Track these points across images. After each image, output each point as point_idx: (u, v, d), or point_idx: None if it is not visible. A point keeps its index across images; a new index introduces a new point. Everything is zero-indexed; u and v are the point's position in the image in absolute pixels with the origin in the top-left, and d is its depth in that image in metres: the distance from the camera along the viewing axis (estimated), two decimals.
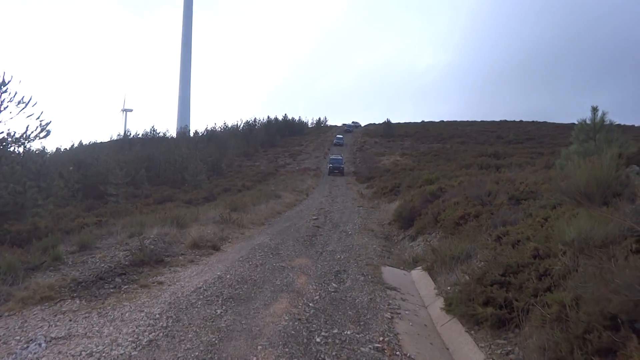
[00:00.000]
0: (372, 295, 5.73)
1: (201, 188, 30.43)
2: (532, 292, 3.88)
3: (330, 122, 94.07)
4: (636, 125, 53.46)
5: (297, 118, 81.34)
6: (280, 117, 77.19)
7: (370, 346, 4.20)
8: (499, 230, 6.18)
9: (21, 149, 10.83)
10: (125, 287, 5.81)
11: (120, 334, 4.30)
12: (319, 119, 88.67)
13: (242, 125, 70.89)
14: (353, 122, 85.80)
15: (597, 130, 10.11)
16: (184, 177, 32.68)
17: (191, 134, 63.95)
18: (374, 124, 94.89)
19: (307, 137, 73.27)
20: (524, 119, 73.99)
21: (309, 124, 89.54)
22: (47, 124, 10.94)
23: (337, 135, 62.64)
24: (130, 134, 59.21)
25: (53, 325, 4.50)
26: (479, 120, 78.83)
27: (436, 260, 6.57)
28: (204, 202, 23.02)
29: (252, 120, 72.10)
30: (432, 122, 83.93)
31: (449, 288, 5.48)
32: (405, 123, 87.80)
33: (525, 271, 4.24)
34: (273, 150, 58.84)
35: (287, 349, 4.02)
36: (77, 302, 5.20)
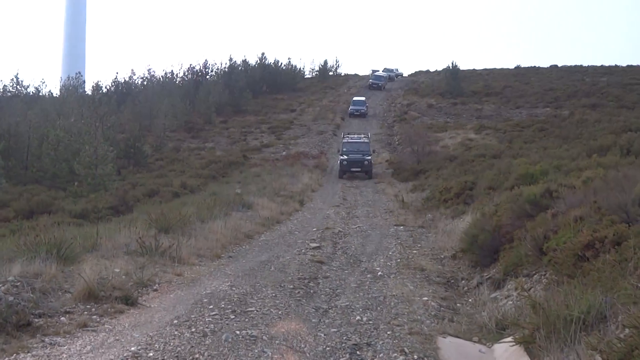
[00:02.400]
0: None
1: (106, 189, 30.61)
2: None
3: (345, 69, 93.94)
4: None
5: (284, 62, 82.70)
6: (252, 61, 78.36)
7: None
8: None
9: None
10: None
11: None
12: (325, 63, 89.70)
13: (182, 76, 71.52)
14: (386, 70, 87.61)
15: None
16: (73, 169, 32.86)
17: (87, 91, 64.68)
18: (427, 72, 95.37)
19: (302, 95, 74.09)
20: None
21: (307, 73, 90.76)
22: None
23: (355, 98, 64.13)
24: None
25: None
26: (626, 64, 78.22)
27: (541, 325, 6.52)
28: (111, 216, 22.94)
29: (202, 66, 72.68)
30: (535, 67, 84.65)
31: None
32: (484, 70, 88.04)
33: None
34: (239, 120, 60.07)
35: None
36: None
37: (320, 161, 40.95)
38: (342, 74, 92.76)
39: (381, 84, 76.06)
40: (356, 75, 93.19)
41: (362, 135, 38.86)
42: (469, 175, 23.94)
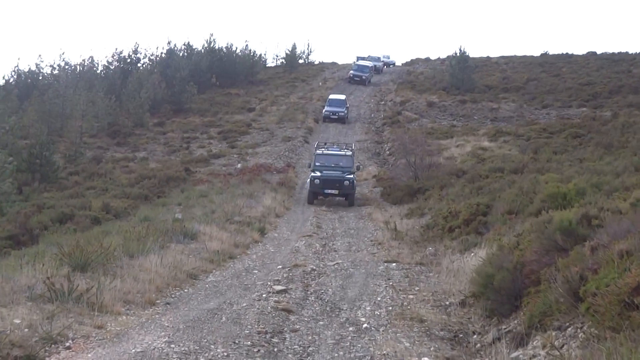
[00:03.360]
0: None
1: (2, 213, 30.27)
2: None
3: (320, 57, 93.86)
4: None
5: (240, 47, 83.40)
6: (197, 45, 79.67)
7: None
8: None
9: None
10: None
11: None
12: (293, 48, 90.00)
13: (106, 64, 71.82)
14: (371, 59, 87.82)
15: None
16: None
17: None
18: (427, 60, 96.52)
19: (264, 90, 74.69)
20: None
21: (270, 61, 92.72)
22: None
23: (332, 96, 64.66)
24: None
25: None
26: None
27: None
28: (9, 248, 22.79)
29: (132, 51, 73.09)
30: (567, 55, 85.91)
31: None
32: (501, 59, 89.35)
33: None
34: (180, 122, 60.28)
35: None
36: None
37: (287, 177, 41.10)
38: (316, 62, 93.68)
39: (365, 76, 76.73)
40: (334, 64, 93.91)
41: (344, 147, 38.96)
42: (482, 196, 23.94)
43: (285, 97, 68.12)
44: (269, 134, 54.10)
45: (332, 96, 63.04)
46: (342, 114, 59.23)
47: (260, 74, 79.86)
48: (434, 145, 44.87)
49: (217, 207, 28.81)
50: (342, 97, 62.59)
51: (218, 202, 30.51)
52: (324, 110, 60.23)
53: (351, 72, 79.05)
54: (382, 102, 65.78)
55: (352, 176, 35.33)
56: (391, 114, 59.72)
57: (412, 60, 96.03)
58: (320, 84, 76.85)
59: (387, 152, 48.96)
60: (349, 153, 37.10)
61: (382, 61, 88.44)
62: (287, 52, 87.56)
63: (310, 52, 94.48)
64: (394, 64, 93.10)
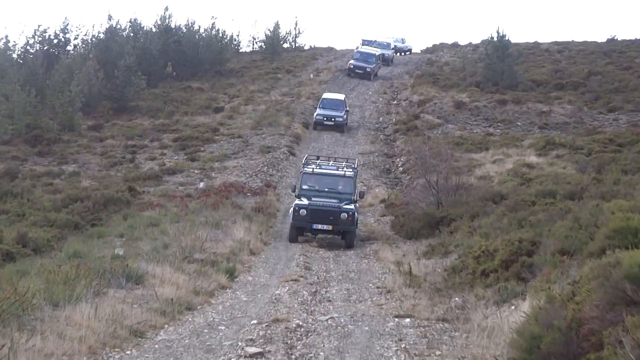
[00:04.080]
0: None
1: None
2: None
3: (312, 40, 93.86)
4: None
5: (204, 26, 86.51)
6: (147, 22, 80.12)
7: None
8: None
9: None
10: None
11: None
12: (275, 28, 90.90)
13: (24, 47, 72.97)
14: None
15: None
16: None
17: None
18: (454, 46, 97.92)
19: (236, 83, 75.37)
20: None
21: (245, 45, 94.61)
22: None
23: (327, 95, 64.66)
24: None
25: None
26: None
27: None
28: None
29: (59, 30, 73.72)
30: None
31: None
32: (553, 45, 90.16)
33: None
34: (124, 126, 60.44)
35: None
36: None
37: (266, 201, 41.42)
38: (306, 48, 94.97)
39: (370, 68, 77.37)
40: (331, 49, 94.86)
41: (343, 163, 38.44)
42: (526, 230, 23.85)
43: (265, 93, 68.62)
44: (242, 142, 54.54)
45: (326, 95, 63.32)
46: (340, 119, 59.53)
47: (232, 62, 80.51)
48: (463, 160, 45.70)
49: (172, 240, 28.78)
50: (341, 96, 62.89)
51: (173, 233, 30.52)
52: (315, 114, 60.73)
53: (351, 61, 79.52)
54: (394, 102, 66.66)
55: (352, 206, 34.42)
56: (406, 117, 60.39)
57: (434, 46, 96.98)
58: (312, 76, 77.43)
59: (400, 169, 49.51)
60: (350, 173, 36.46)
61: (394, 47, 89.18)
62: (268, 33, 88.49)
63: (299, 33, 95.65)
64: (410, 51, 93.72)
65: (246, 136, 55.51)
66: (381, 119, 62.10)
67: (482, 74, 67.85)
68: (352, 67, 77.91)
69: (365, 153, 51.96)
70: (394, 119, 61.18)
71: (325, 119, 59.19)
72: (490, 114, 59.08)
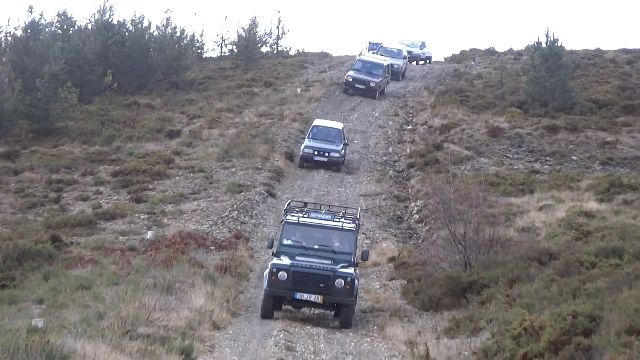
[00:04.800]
0: None
1: None
2: None
3: (299, 45, 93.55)
4: None
5: (156, 22, 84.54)
6: (81, 18, 80.00)
7: None
8: None
9: None
10: None
11: None
12: (251, 27, 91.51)
13: None
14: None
15: None
16: None
17: None
18: (489, 52, 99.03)
19: (197, 99, 74.89)
20: None
21: (211, 48, 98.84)
22: None
23: (318, 123, 64.25)
24: None
25: None
26: None
27: None
28: None
29: None
30: None
31: None
32: (621, 53, 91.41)
33: None
34: (46, 153, 60.07)
35: None
36: None
37: (236, 257, 41.04)
38: (292, 52, 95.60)
39: (374, 83, 76.96)
40: (325, 55, 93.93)
41: (340, 213, 37.23)
42: (582, 301, 23.92)
43: (236, 113, 68.55)
44: (205, 178, 54.49)
45: (318, 122, 63.31)
46: (337, 154, 59.28)
47: (192, 71, 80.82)
48: (500, 206, 45.48)
49: (108, 308, 28.58)
50: (338, 125, 63.16)
51: (110, 299, 30.41)
52: (303, 147, 60.17)
53: (350, 73, 79.09)
54: (409, 127, 67.23)
55: (351, 271, 33.24)
56: (424, 148, 60.43)
57: (462, 53, 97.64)
58: (299, 91, 77.44)
59: (416, 217, 49.56)
60: (350, 226, 35.06)
61: (408, 55, 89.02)
62: (242, 32, 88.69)
63: (283, 34, 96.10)
64: (429, 59, 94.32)
65: (210, 170, 55.19)
66: (391, 149, 62.04)
67: (526, 92, 67.74)
68: (350, 80, 77.40)
69: (369, 195, 51.76)
70: (407, 150, 61.06)
71: (316, 153, 58.43)
72: (536, 145, 58.85)
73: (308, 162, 58.71)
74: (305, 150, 58.73)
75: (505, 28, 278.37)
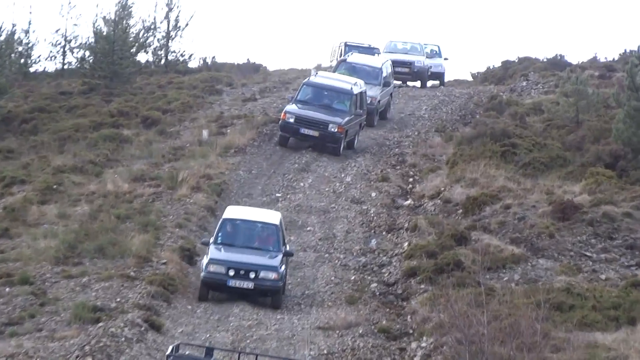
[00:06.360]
0: None
1: None
2: None
3: (210, 51, 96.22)
4: None
5: None
6: None
7: None
8: None
9: None
10: None
11: None
12: (119, 19, 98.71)
13: None
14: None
15: None
16: None
17: None
18: (552, 64, 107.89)
19: (23, 150, 78.97)
20: None
21: (46, 60, 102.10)
22: None
23: (232, 215, 63.05)
24: None
25: None
26: None
27: None
28: None
29: None
30: None
31: None
32: None
33: None
34: None
35: None
36: None
37: None
38: (192, 64, 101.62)
39: (336, 126, 72.63)
40: (258, 68, 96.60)
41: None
42: None
43: (91, 175, 64.57)
44: (33, 296, 50.05)
45: (233, 213, 60.78)
46: (271, 276, 57.02)
47: (13, 98, 78.17)
48: (575, 347, 41.34)
49: None
50: (272, 217, 59.98)
51: None
52: (206, 260, 55.62)
53: (290, 109, 74.38)
54: (408, 203, 63.47)
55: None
56: (435, 242, 55.07)
57: (504, 65, 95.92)
58: (206, 135, 70.20)
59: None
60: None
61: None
62: (101, 27, 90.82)
63: (178, 29, 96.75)
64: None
65: (42, 281, 50.48)
66: (374, 242, 54.58)
67: (623, 137, 59.13)
68: (291, 122, 72.23)
69: (333, 329, 47.09)
70: (405, 245, 54.11)
71: (232, 274, 55.70)
72: (638, 233, 53.29)
73: (216, 291, 54.71)
74: (211, 268, 53.68)
75: (585, 25, 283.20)
